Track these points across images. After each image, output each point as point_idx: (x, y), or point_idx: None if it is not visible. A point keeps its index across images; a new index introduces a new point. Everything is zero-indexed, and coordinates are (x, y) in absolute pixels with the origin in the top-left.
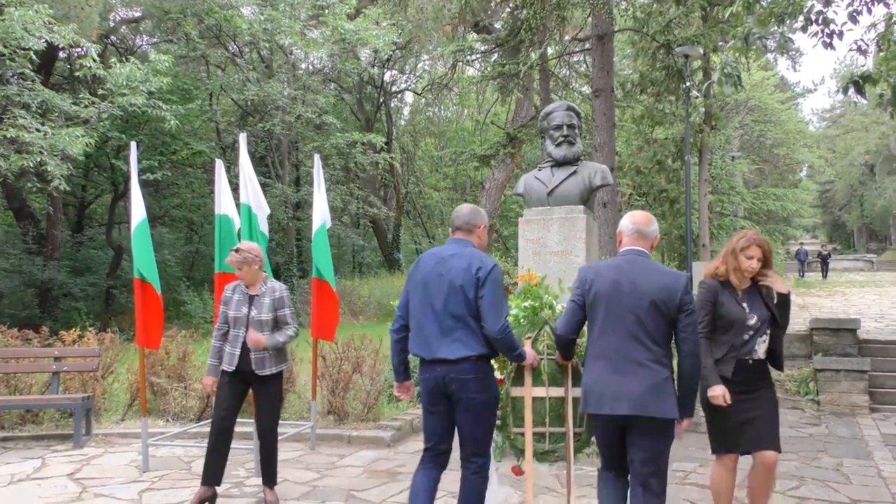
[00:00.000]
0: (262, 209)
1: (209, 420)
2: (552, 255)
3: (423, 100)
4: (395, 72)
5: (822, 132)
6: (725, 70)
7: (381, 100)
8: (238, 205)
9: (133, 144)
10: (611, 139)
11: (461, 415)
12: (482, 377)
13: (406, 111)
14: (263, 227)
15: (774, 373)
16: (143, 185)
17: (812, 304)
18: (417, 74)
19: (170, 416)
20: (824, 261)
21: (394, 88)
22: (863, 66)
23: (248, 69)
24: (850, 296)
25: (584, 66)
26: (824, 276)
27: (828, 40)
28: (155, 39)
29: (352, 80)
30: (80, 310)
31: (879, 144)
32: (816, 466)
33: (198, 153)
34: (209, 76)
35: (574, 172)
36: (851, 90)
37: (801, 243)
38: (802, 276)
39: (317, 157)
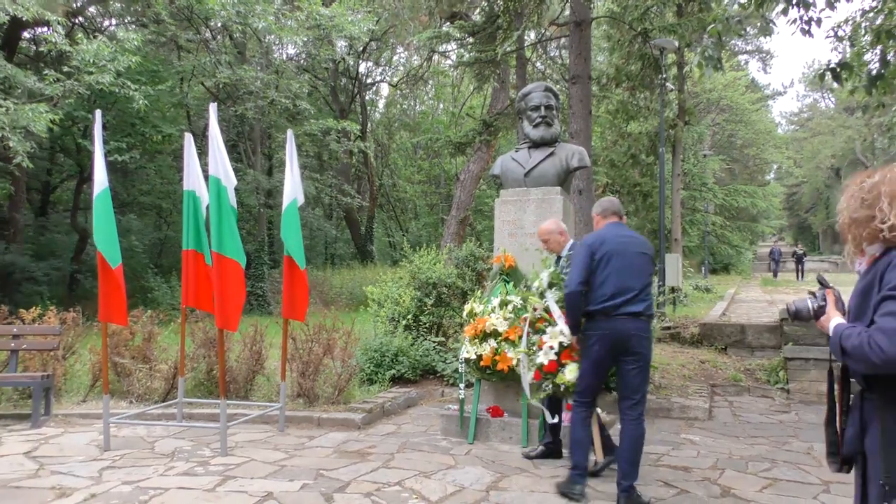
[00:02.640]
0: (230, 181)
1: (174, 401)
2: (528, 237)
3: (399, 92)
4: (370, 63)
5: (791, 135)
6: (706, 52)
7: (356, 91)
8: (207, 178)
9: (98, 112)
10: (587, 126)
11: (632, 367)
12: (650, 336)
13: (381, 104)
14: (232, 200)
15: (745, 363)
16: (112, 169)
17: (779, 300)
18: (393, 67)
19: (133, 398)
20: (799, 260)
21: (368, 80)
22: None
23: (220, 53)
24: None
25: (561, 58)
26: (800, 277)
27: (806, 27)
28: (124, 21)
29: (326, 70)
30: (42, 294)
31: (845, 148)
32: (787, 450)
33: (167, 137)
34: (179, 59)
35: (551, 154)
36: (828, 77)
37: (776, 241)
38: (776, 276)
39: (290, 132)
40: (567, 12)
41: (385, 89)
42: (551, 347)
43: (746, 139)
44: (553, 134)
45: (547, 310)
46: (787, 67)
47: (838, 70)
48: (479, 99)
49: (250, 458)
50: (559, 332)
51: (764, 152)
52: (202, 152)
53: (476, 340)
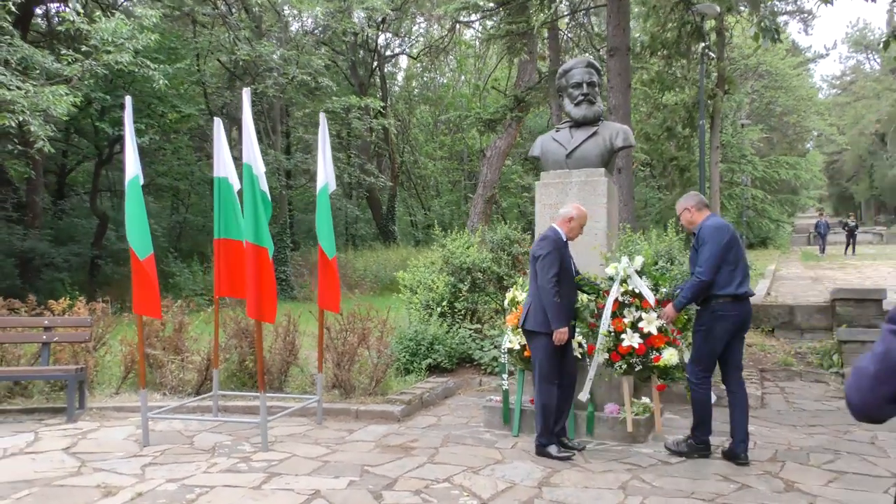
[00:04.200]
0: (260, 168)
1: (209, 394)
2: None
3: (420, 65)
4: (388, 35)
5: (832, 100)
6: (763, 23)
7: (375, 64)
8: (240, 165)
9: (128, 99)
10: (626, 101)
11: (741, 343)
12: None
13: (400, 77)
14: (265, 187)
15: (795, 346)
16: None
17: (824, 276)
18: (413, 38)
19: (167, 390)
20: (851, 233)
21: (387, 53)
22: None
23: (238, 28)
24: (863, 269)
25: (594, 26)
26: (850, 252)
27: None
28: None
29: (345, 43)
30: (63, 280)
31: (892, 112)
32: (850, 440)
33: (185, 117)
34: (195, 35)
35: (594, 133)
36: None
37: (821, 213)
38: (823, 251)
39: (322, 115)
40: None
41: (404, 62)
42: (648, 332)
43: (787, 106)
44: (596, 112)
45: (635, 293)
46: (828, 28)
47: None
48: (502, 70)
49: (292, 453)
50: (655, 318)
51: (805, 119)
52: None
53: (519, 330)
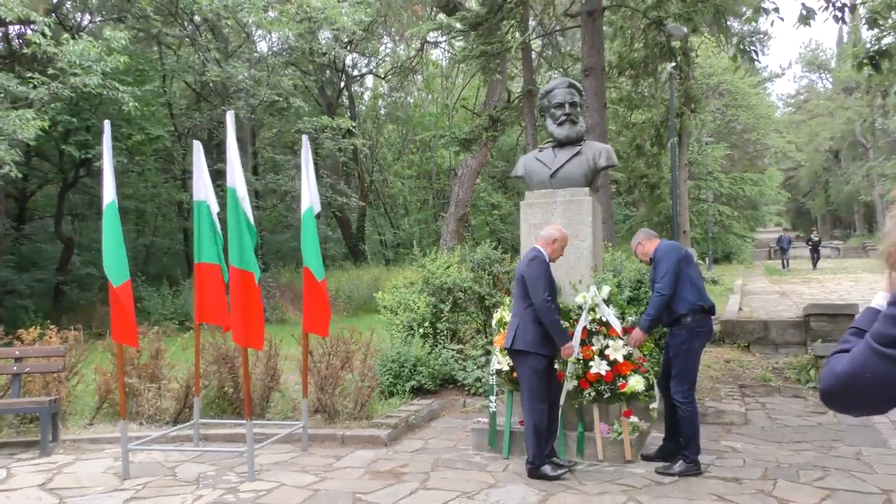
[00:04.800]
0: (244, 193)
1: (190, 423)
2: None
3: (387, 84)
4: (355, 55)
5: (788, 118)
6: (741, 45)
7: (343, 84)
8: (219, 188)
9: (107, 123)
10: (602, 121)
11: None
12: None
13: (367, 96)
14: (249, 213)
15: (771, 361)
16: (92, 173)
17: (790, 291)
18: (380, 57)
19: (143, 419)
20: (815, 248)
21: (355, 73)
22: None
23: (206, 50)
24: (826, 283)
25: (567, 45)
26: (814, 266)
27: (839, 14)
28: (102, 15)
29: (313, 64)
30: (27, 308)
31: (844, 130)
32: (836, 456)
33: (154, 139)
34: (162, 57)
35: (578, 153)
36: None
37: (785, 229)
38: (786, 265)
39: (305, 137)
40: (577, 5)
41: (370, 81)
42: (614, 359)
43: (747, 124)
44: (579, 132)
45: (602, 322)
46: (783, 49)
47: (876, 58)
48: (470, 90)
49: (280, 482)
50: (621, 346)
51: (765, 137)
52: (187, 153)
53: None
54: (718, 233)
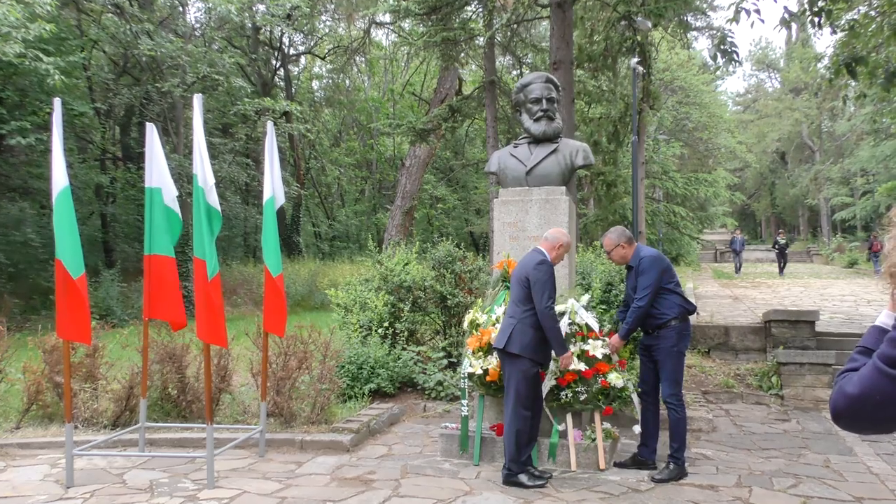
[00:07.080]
0: (209, 182)
1: (133, 426)
2: (531, 240)
3: (326, 65)
4: (292, 31)
5: (737, 117)
6: (723, 46)
7: (279, 63)
8: (179, 175)
9: (58, 101)
10: (570, 115)
11: None
12: None
13: (302, 77)
14: (213, 201)
15: (733, 367)
16: (8, 151)
17: (743, 295)
18: (319, 36)
19: (78, 422)
20: (782, 252)
21: (292, 51)
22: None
23: (138, 21)
24: (776, 287)
25: (525, 33)
26: (781, 272)
27: (816, 20)
28: None
29: (246, 39)
30: None
31: (792, 132)
32: (805, 464)
33: (78, 115)
34: (81, 25)
35: (554, 150)
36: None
37: (738, 230)
38: (739, 269)
39: (270, 124)
40: None
41: (303, 61)
42: (594, 357)
43: (699, 122)
44: (556, 129)
45: (583, 325)
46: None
47: (853, 65)
48: (417, 76)
49: (241, 489)
50: (600, 345)
51: (716, 136)
52: (106, 132)
53: (480, 353)
54: (667, 233)
